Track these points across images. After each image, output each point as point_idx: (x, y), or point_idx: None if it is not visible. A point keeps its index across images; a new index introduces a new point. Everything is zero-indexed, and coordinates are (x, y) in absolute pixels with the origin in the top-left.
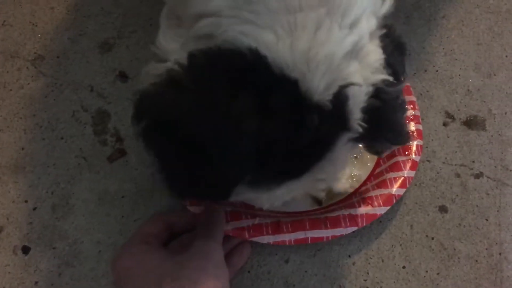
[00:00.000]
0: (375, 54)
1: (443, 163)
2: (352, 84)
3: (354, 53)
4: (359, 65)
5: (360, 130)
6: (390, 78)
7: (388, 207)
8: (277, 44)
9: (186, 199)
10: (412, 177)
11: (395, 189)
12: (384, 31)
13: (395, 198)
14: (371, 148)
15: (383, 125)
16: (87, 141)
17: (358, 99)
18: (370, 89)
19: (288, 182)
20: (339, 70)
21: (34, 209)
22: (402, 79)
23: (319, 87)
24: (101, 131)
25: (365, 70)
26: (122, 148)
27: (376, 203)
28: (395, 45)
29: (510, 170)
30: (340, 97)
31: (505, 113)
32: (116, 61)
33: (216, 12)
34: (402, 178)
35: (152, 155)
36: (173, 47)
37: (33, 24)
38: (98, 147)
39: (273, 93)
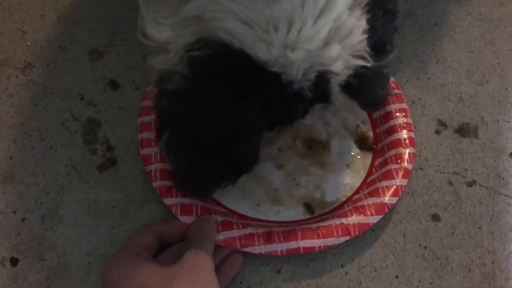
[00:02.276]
0: (357, 31)
1: (436, 171)
2: (331, 73)
3: (333, 33)
4: (340, 46)
5: (338, 104)
6: (368, 64)
7: (381, 216)
8: (257, 45)
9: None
10: (404, 185)
11: (387, 197)
12: None
13: (388, 207)
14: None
15: (358, 97)
16: (77, 150)
17: (338, 79)
18: (350, 71)
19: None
20: (317, 57)
21: (23, 219)
22: (389, 50)
23: (298, 76)
24: (91, 140)
25: (346, 53)
26: (112, 157)
27: (368, 212)
28: (384, 12)
29: (503, 178)
30: (321, 81)
31: (498, 120)
32: (106, 69)
33: None
34: (395, 186)
35: (174, 163)
36: (165, 35)
37: (23, 31)
38: (88, 156)
39: (267, 90)
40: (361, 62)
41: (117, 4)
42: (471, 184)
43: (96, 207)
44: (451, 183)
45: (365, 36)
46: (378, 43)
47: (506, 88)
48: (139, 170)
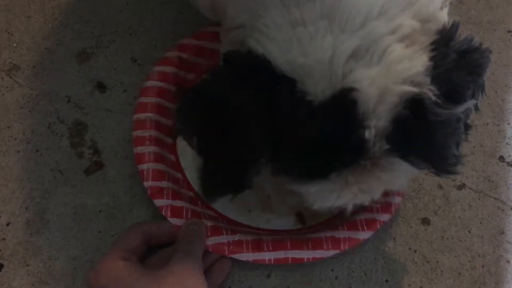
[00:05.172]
0: (410, 62)
1: (426, 174)
2: (353, 89)
3: (369, 56)
4: (381, 71)
5: (377, 148)
6: (419, 94)
7: (372, 232)
8: (278, 54)
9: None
10: (398, 203)
11: (380, 214)
12: (436, 36)
13: (380, 223)
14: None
15: (418, 141)
16: (63, 153)
17: (371, 105)
18: (395, 99)
19: (318, 180)
20: (340, 75)
21: (8, 224)
22: (471, 102)
23: (316, 89)
24: (78, 144)
25: (387, 78)
26: (99, 160)
27: (360, 227)
28: (462, 60)
29: (492, 182)
30: (342, 100)
31: (487, 124)
32: (94, 71)
33: (241, 25)
34: (388, 203)
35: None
36: None
37: (9, 33)
38: (75, 160)
39: (272, 88)
40: (408, 89)
41: (105, 5)
42: (460, 187)
43: (82, 212)
44: (441, 187)
45: (425, 68)
46: (448, 86)
47: (496, 92)
48: (126, 174)
